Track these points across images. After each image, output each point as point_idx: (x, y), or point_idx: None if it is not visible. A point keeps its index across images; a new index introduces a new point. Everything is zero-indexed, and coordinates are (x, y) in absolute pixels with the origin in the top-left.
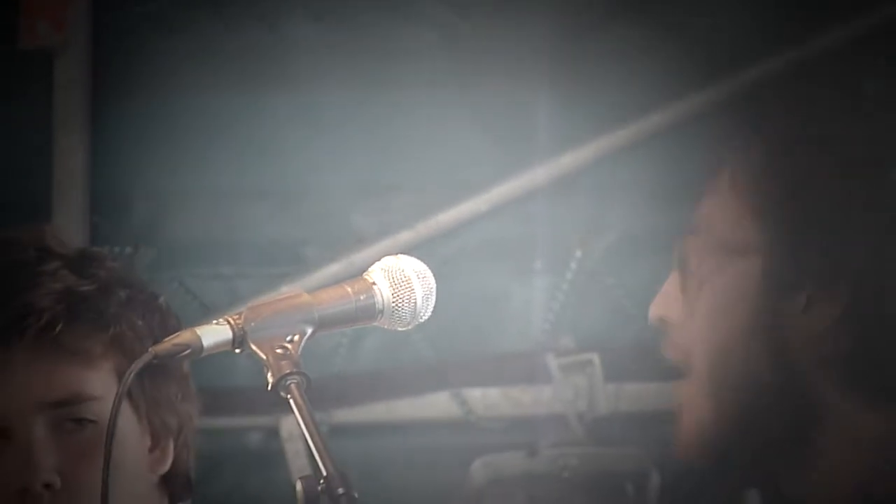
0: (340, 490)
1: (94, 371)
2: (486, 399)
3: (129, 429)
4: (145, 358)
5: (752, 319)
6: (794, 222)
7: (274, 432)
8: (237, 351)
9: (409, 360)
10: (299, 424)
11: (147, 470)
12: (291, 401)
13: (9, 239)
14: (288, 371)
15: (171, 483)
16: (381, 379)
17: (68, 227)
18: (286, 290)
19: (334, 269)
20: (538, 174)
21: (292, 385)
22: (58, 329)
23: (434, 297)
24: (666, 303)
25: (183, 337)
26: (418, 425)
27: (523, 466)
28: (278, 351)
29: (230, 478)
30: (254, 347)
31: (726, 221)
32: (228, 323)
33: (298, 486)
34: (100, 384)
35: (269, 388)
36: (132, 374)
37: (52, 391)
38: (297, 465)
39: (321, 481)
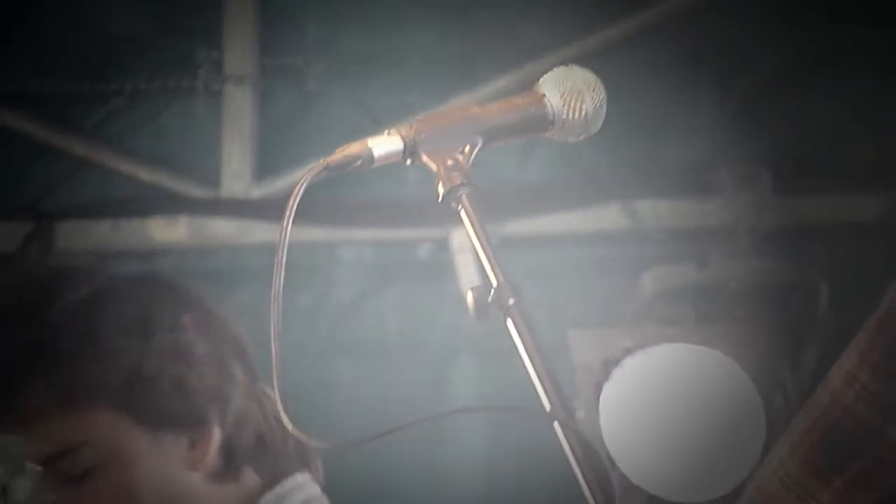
0: (511, 300)
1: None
2: (656, 210)
3: (135, 450)
4: (316, 168)
5: None
6: None
7: (444, 244)
8: (408, 162)
9: (580, 172)
10: (469, 235)
11: (190, 470)
12: (462, 212)
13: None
14: (459, 182)
15: (240, 461)
16: (552, 190)
17: (240, 41)
18: (457, 102)
19: (504, 82)
20: None
21: (463, 196)
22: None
23: (604, 109)
24: None
25: (354, 148)
26: (588, 237)
27: (692, 278)
28: (449, 162)
29: (400, 290)
30: (425, 158)
31: None
32: (400, 134)
33: (469, 296)
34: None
35: (440, 199)
36: (303, 186)
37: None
38: (468, 277)
39: (491, 291)
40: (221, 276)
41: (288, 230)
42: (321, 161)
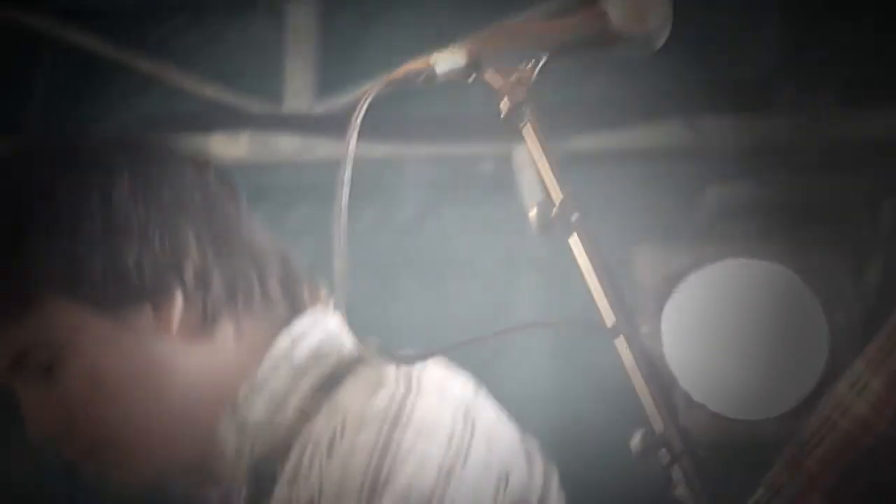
0: (574, 216)
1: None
2: (719, 127)
3: (96, 334)
4: (379, 85)
5: None
6: None
7: (506, 160)
8: (471, 79)
9: (644, 87)
10: (532, 152)
11: (161, 338)
12: (525, 128)
13: None
14: (522, 98)
15: (215, 317)
16: (615, 107)
17: None
18: (520, 18)
19: None
20: None
21: (526, 112)
22: None
23: (668, 26)
24: None
25: (417, 64)
26: (651, 153)
27: (754, 194)
28: (512, 79)
29: (463, 206)
30: (488, 75)
31: None
32: (463, 50)
33: (532, 212)
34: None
35: (503, 116)
36: (366, 103)
37: None
38: (530, 193)
39: (554, 207)
40: (283, 192)
41: (352, 146)
42: (384, 77)
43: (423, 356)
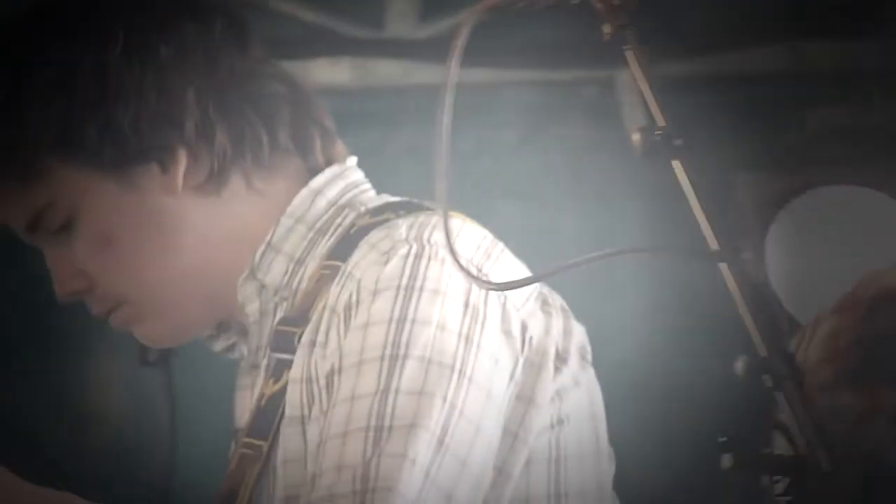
0: (677, 140)
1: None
2: (820, 51)
3: (102, 194)
4: (480, 9)
5: None
6: None
7: (609, 84)
8: (573, 2)
9: (745, 12)
10: (635, 76)
11: (170, 194)
12: (628, 52)
13: None
14: (625, 21)
15: (224, 171)
16: (717, 31)
17: None
18: None
19: None
20: None
21: (629, 36)
22: None
23: None
24: None
25: None
26: (752, 77)
27: (855, 119)
28: (615, 2)
29: (564, 131)
30: None
31: None
32: None
33: (635, 136)
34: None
35: (605, 39)
36: (468, 28)
37: None
38: (633, 117)
39: (657, 132)
40: (385, 117)
41: (454, 72)
42: (485, 1)
43: (520, 283)
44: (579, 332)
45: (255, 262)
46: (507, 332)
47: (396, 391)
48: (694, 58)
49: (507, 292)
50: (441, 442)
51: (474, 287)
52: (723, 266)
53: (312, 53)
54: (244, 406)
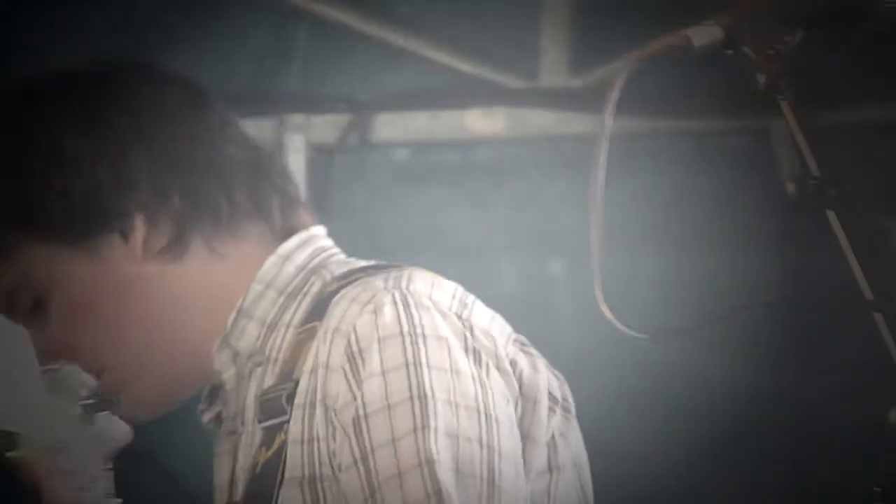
0: (832, 191)
1: None
2: None
3: (70, 268)
4: (633, 61)
5: None
6: None
7: (764, 134)
8: (728, 52)
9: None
10: (790, 125)
11: (135, 262)
12: (782, 102)
13: None
14: (779, 71)
15: (186, 237)
16: (872, 78)
17: None
18: None
19: None
20: None
21: (783, 86)
22: None
23: None
24: None
25: (673, 38)
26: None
27: None
28: (770, 52)
29: (716, 180)
30: (745, 47)
31: None
32: (719, 23)
33: (790, 186)
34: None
35: (760, 89)
36: (623, 78)
37: None
38: (788, 167)
39: (811, 181)
40: (538, 168)
41: (609, 122)
42: (640, 51)
43: (661, 333)
44: (562, 380)
45: (228, 327)
46: (504, 371)
47: (436, 430)
48: (850, 106)
49: (494, 335)
50: (492, 483)
51: (466, 332)
52: (878, 315)
53: (468, 103)
54: (222, 471)
